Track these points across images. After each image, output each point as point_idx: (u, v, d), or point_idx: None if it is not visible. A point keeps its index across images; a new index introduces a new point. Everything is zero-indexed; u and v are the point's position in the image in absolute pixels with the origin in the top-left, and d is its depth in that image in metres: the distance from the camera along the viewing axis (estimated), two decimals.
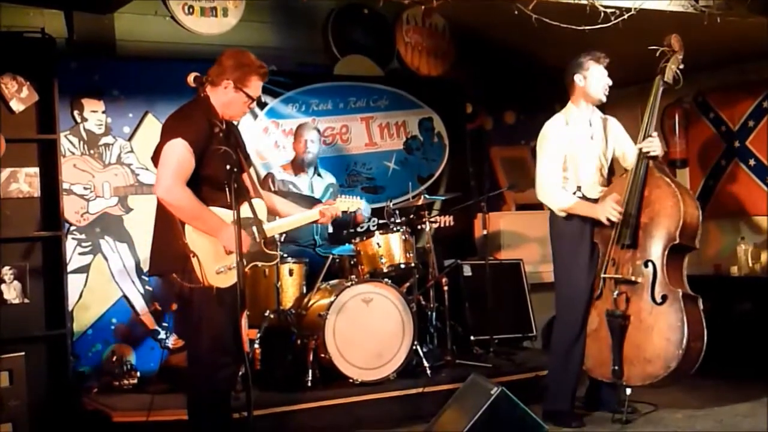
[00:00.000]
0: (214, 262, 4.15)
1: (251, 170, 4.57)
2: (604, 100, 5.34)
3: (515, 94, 8.08)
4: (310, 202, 6.17)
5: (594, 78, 5.26)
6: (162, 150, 4.15)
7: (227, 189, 4.08)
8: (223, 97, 4.32)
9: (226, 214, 4.16)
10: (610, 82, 5.30)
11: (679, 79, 5.24)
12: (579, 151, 5.31)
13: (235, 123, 4.58)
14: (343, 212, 4.78)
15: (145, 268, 6.47)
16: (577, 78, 5.29)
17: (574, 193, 5.30)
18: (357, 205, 4.80)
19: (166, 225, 4.16)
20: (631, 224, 5.14)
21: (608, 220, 5.13)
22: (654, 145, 5.17)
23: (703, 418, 5.27)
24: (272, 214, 4.62)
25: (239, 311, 4.29)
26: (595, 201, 5.30)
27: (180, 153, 4.10)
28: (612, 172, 5.51)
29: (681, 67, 5.23)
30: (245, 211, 4.21)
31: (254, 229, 4.28)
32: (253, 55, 4.39)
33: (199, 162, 4.15)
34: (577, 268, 5.28)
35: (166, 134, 4.19)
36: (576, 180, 5.32)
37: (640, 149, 5.19)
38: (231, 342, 4.26)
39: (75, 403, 5.62)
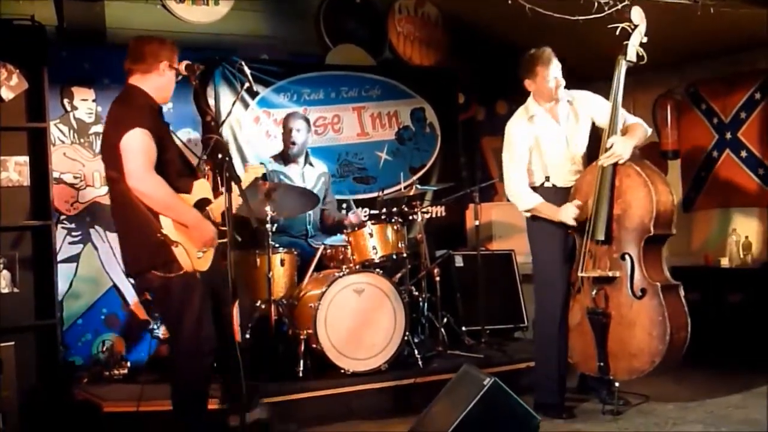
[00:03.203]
0: (193, 247, 4.20)
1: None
2: (559, 98, 5.25)
3: (507, 85, 8.02)
4: (301, 192, 6.16)
5: (543, 81, 5.19)
6: (118, 143, 4.13)
7: (191, 174, 4.30)
8: (158, 81, 4.38)
9: (185, 199, 4.27)
10: (562, 81, 5.21)
11: (642, 56, 5.09)
12: (544, 140, 5.25)
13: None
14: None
15: None
16: (527, 83, 5.27)
17: (543, 184, 5.27)
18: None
19: (137, 222, 4.17)
20: (602, 218, 5.05)
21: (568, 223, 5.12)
22: (616, 154, 5.01)
23: (695, 409, 5.27)
24: None
25: (226, 298, 4.36)
26: (568, 190, 5.27)
27: (143, 141, 4.12)
28: (594, 151, 5.44)
29: (644, 40, 5.06)
30: (200, 192, 4.36)
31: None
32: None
33: (162, 150, 4.22)
34: (551, 262, 5.27)
35: (119, 126, 4.18)
36: (543, 170, 5.28)
37: (601, 164, 5.07)
38: (212, 328, 4.30)
39: (65, 394, 5.60)
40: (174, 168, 4.29)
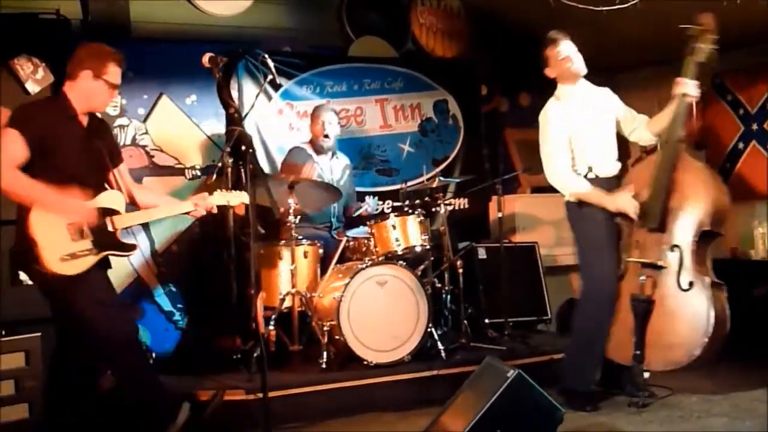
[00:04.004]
0: (60, 248, 4.25)
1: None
2: (582, 72, 5.25)
3: (530, 76, 8.00)
4: (324, 186, 6.16)
5: (555, 62, 5.23)
6: None
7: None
8: (78, 88, 4.44)
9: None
10: (576, 56, 5.22)
11: (713, 59, 5.07)
12: (581, 129, 5.22)
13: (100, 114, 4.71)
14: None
15: (160, 249, 6.50)
16: (546, 71, 5.30)
17: (586, 175, 5.24)
18: (238, 198, 4.74)
19: (18, 218, 4.31)
20: (658, 207, 5.05)
21: (622, 214, 5.08)
22: (690, 87, 5.01)
23: (720, 402, 5.24)
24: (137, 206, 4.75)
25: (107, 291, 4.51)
26: (611, 178, 5.25)
27: (9, 141, 4.22)
28: (625, 145, 5.42)
29: (714, 46, 5.04)
30: (107, 201, 4.43)
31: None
32: (104, 45, 4.54)
33: (46, 153, 4.28)
34: (602, 249, 5.19)
35: (8, 123, 4.31)
36: (585, 160, 5.24)
37: (678, 89, 5.03)
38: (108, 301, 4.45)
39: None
40: (63, 173, 4.32)
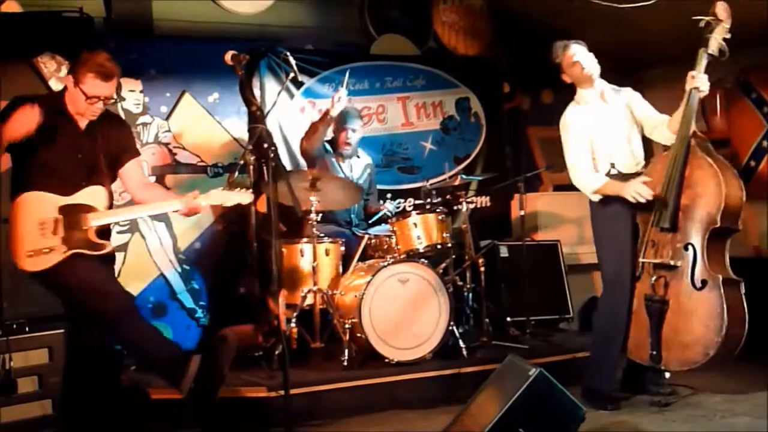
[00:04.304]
0: (29, 244, 4.33)
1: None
2: (595, 73, 5.25)
3: (553, 74, 7.99)
4: (346, 185, 6.16)
5: (568, 67, 5.27)
6: None
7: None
8: (69, 93, 4.50)
9: (54, 199, 4.38)
10: (586, 58, 5.22)
11: (725, 52, 5.01)
12: (603, 129, 5.23)
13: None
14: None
15: (183, 247, 6.53)
16: (562, 77, 5.35)
17: (609, 172, 5.23)
18: (237, 199, 4.67)
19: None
20: (670, 206, 5.03)
21: (636, 199, 5.06)
22: (700, 80, 4.99)
23: (743, 402, 5.20)
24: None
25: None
26: (634, 175, 5.22)
27: None
28: (649, 144, 5.39)
29: (728, 36, 4.97)
30: (80, 198, 4.44)
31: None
32: (103, 55, 4.48)
33: (33, 149, 4.34)
34: (620, 249, 5.19)
35: None
36: (607, 158, 5.24)
37: (689, 84, 5.00)
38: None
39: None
40: (49, 169, 4.40)
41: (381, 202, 7.01)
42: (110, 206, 4.58)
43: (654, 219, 5.10)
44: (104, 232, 4.56)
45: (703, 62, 5.02)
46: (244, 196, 4.67)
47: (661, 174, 5.09)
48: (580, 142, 5.25)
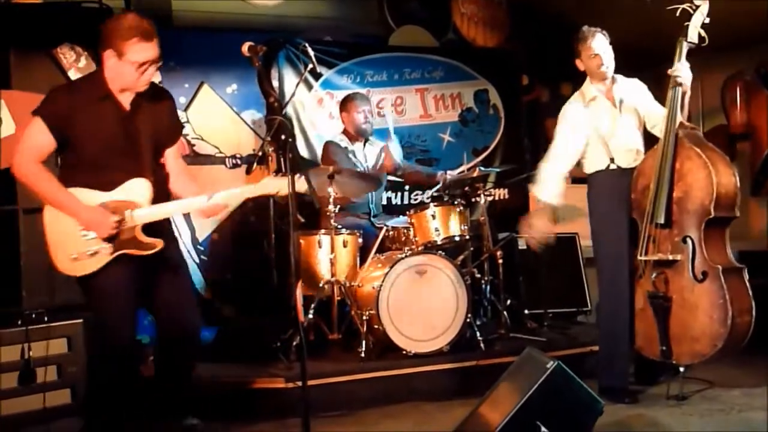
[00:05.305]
0: (71, 247, 3.99)
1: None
2: (610, 74, 5.22)
3: (572, 66, 7.96)
4: (364, 175, 6.16)
5: (586, 59, 5.22)
6: None
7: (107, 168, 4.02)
8: (110, 68, 4.04)
9: (95, 196, 4.03)
10: (606, 57, 5.17)
11: (704, 38, 4.92)
12: (605, 123, 5.21)
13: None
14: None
15: (201, 237, 6.54)
16: (577, 63, 5.30)
17: (608, 166, 5.22)
18: (273, 187, 4.18)
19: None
20: (662, 201, 4.97)
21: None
22: (681, 76, 4.92)
23: (760, 395, 5.17)
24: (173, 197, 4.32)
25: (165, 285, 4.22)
26: (633, 171, 5.20)
27: (32, 131, 3.98)
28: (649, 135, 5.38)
29: (706, 21, 4.88)
30: (122, 193, 4.07)
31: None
32: (132, 15, 4.07)
33: (69, 140, 4.01)
34: (616, 242, 5.20)
35: (35, 109, 4.01)
36: (607, 152, 5.22)
37: (669, 75, 4.96)
38: (126, 332, 4.15)
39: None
40: (89, 161, 4.04)
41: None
42: (155, 200, 4.13)
43: (649, 215, 5.06)
44: (150, 228, 4.13)
45: (683, 53, 4.97)
46: (279, 184, 4.21)
47: (653, 168, 5.05)
48: (561, 137, 5.29)
